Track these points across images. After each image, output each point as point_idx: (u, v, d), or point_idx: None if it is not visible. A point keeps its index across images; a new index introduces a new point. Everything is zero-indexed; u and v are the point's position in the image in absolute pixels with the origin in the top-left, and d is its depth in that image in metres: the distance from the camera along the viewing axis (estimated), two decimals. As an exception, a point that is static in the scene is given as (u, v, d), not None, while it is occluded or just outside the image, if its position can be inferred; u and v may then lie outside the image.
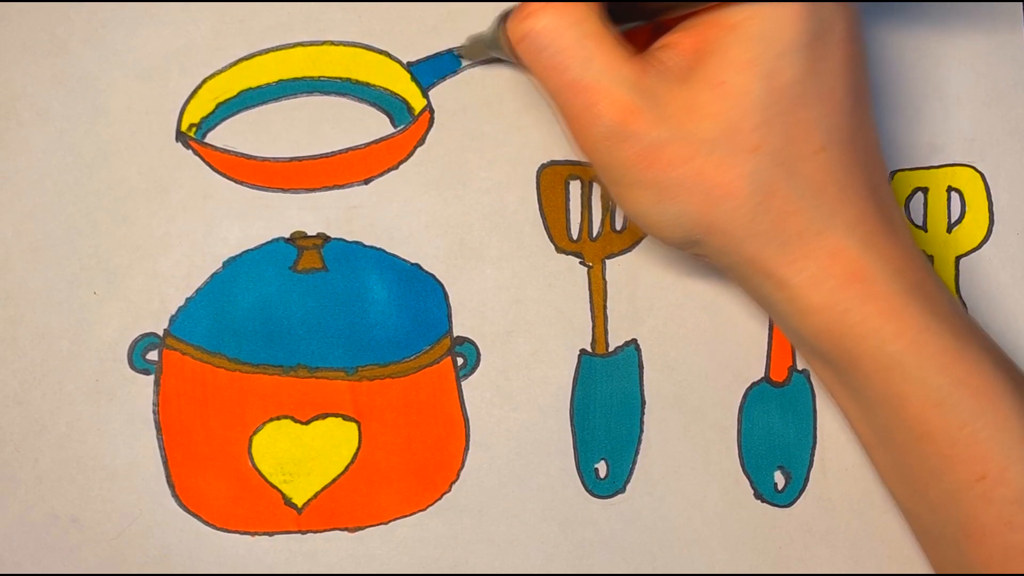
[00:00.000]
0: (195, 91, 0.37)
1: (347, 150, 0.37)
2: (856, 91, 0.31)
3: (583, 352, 0.38)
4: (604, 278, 0.38)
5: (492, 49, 0.35)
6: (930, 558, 0.35)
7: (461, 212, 0.37)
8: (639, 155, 0.30)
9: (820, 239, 0.31)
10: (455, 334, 0.37)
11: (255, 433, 0.37)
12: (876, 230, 0.31)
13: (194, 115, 0.37)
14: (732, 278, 0.34)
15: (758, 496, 0.38)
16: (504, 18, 0.32)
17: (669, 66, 0.31)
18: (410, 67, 0.37)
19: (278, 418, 0.37)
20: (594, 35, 0.30)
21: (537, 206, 0.38)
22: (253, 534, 0.37)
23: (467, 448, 0.37)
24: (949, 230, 0.39)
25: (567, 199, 0.38)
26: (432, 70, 0.37)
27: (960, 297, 0.39)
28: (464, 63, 0.37)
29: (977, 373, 0.31)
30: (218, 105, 0.37)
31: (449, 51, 0.37)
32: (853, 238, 0.31)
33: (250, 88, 0.37)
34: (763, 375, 0.38)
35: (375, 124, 0.37)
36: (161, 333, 0.36)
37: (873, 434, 0.33)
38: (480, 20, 0.37)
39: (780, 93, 0.30)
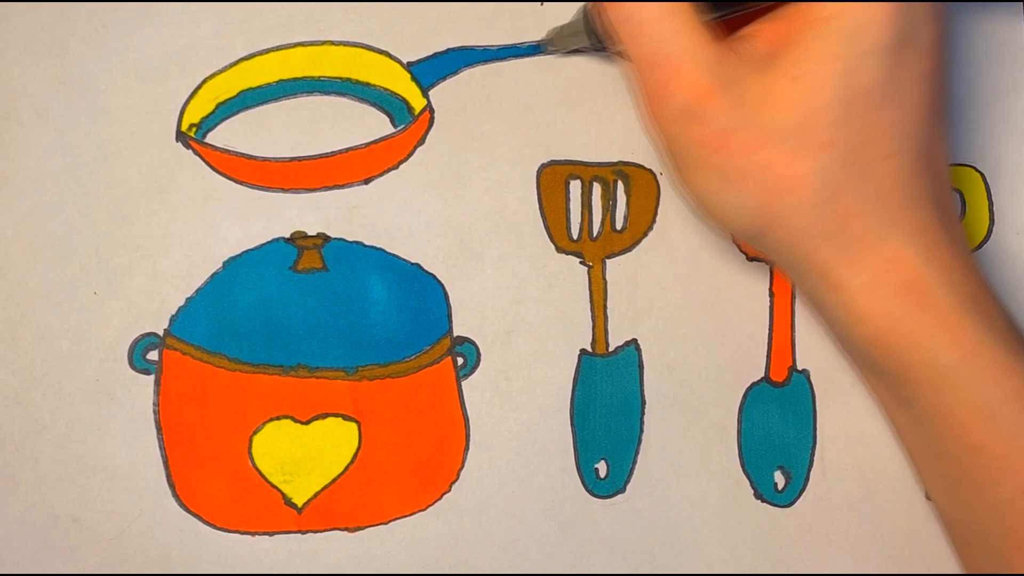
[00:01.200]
0: (195, 91, 0.37)
1: (347, 150, 0.37)
2: (934, 100, 0.31)
3: (583, 352, 0.38)
4: (604, 278, 0.38)
5: (575, 37, 0.35)
6: (969, 568, 0.34)
7: (461, 212, 0.37)
8: (708, 138, 0.30)
9: (880, 244, 0.31)
10: (455, 334, 0.37)
11: (255, 433, 0.37)
12: (937, 241, 0.31)
13: (194, 115, 0.37)
14: (791, 278, 0.33)
15: (758, 496, 0.38)
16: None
17: (751, 54, 0.31)
18: (410, 67, 0.37)
19: (278, 418, 0.37)
20: (681, 13, 0.30)
21: (537, 206, 0.38)
22: (253, 534, 0.37)
23: (467, 448, 0.37)
24: (949, 230, 0.39)
25: (567, 199, 0.38)
26: (432, 70, 0.37)
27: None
28: (547, 52, 0.37)
29: None
30: (218, 105, 0.37)
31: (449, 50, 0.37)
32: (914, 247, 0.31)
33: (250, 88, 0.37)
34: (763, 375, 0.38)
35: (375, 124, 0.37)
36: (161, 333, 0.36)
37: (920, 444, 0.33)
38: (480, 20, 0.37)
39: (859, 93, 0.30)
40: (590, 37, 0.35)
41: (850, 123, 0.30)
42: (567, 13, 0.37)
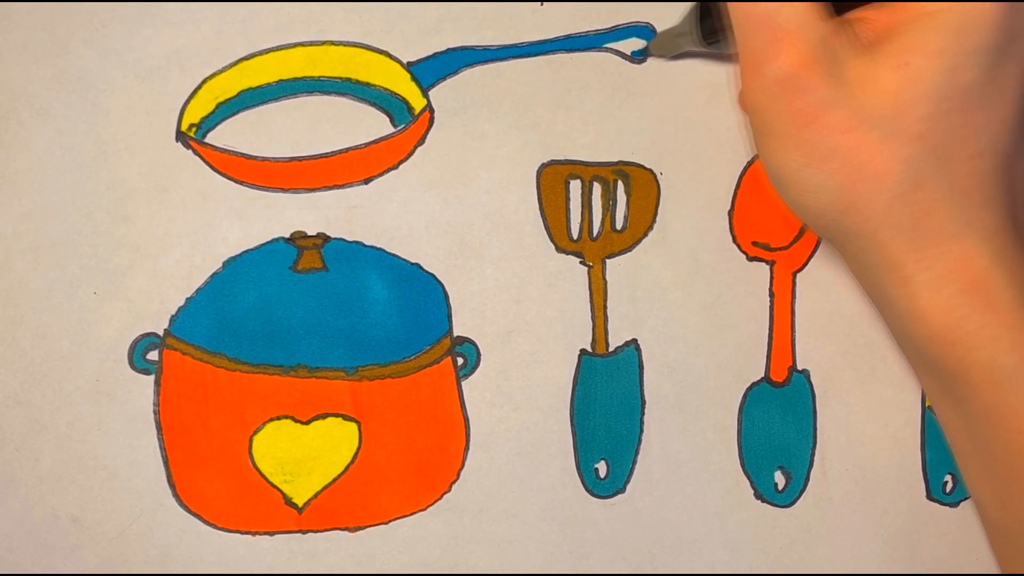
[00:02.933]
0: (195, 91, 0.37)
1: (347, 150, 0.37)
2: None
3: (583, 352, 0.38)
4: (604, 278, 0.38)
5: (682, 37, 0.36)
6: (1005, 568, 0.34)
7: (461, 212, 0.37)
8: (801, 110, 0.30)
9: (953, 242, 0.31)
10: (455, 334, 0.37)
11: (255, 433, 0.37)
12: (1008, 245, 0.31)
13: (194, 115, 0.37)
14: (854, 269, 0.33)
15: (758, 496, 0.38)
16: None
17: (856, 36, 0.31)
18: (410, 67, 0.37)
19: (278, 418, 0.37)
20: None
21: (537, 206, 0.38)
22: (254, 534, 0.37)
23: (467, 448, 0.37)
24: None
25: (567, 199, 0.38)
26: (432, 70, 0.37)
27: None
28: (652, 56, 0.38)
29: None
30: (218, 105, 0.37)
31: (449, 50, 0.37)
32: (985, 248, 0.31)
33: (250, 88, 0.37)
34: (763, 375, 0.38)
35: (375, 124, 0.37)
36: (161, 333, 0.36)
37: (971, 444, 0.33)
38: (480, 20, 0.37)
39: (957, 90, 0.30)
40: (699, 34, 0.35)
41: (943, 119, 0.30)
42: (567, 12, 0.37)
